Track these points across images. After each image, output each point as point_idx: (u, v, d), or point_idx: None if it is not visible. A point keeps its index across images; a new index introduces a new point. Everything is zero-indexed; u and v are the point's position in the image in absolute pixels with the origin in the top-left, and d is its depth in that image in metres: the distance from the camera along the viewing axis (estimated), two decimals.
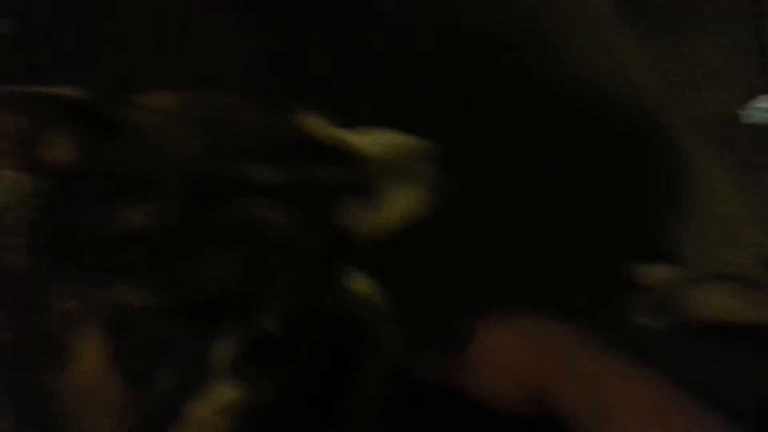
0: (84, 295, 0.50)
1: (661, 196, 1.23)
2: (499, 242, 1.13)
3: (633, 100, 1.28)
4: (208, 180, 0.53)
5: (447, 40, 1.30)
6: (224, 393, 0.52)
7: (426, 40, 1.27)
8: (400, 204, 0.66)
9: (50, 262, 0.51)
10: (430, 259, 1.06)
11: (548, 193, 1.19)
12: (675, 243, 1.20)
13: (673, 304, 0.77)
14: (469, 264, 1.11)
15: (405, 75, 1.21)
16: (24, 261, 0.52)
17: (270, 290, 0.53)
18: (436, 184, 0.69)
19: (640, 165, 1.24)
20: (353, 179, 0.61)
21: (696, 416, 0.54)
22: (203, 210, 0.52)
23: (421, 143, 0.69)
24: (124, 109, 0.55)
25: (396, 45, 1.23)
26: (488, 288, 1.06)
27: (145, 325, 0.49)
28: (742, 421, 0.58)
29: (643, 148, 1.26)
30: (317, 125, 0.61)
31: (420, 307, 0.79)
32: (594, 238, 1.19)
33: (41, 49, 1.16)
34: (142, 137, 0.54)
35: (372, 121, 0.68)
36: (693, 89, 1.30)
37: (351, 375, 0.71)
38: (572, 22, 1.33)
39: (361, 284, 0.71)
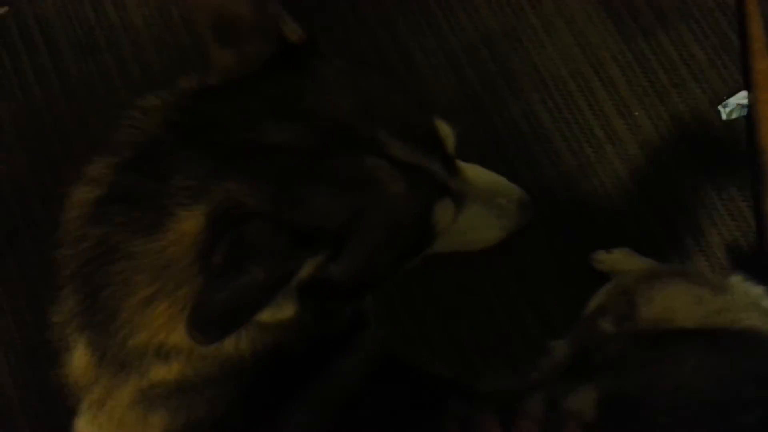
0: (206, 181, 0.54)
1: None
2: None
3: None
4: (350, 129, 0.58)
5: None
6: (285, 308, 0.58)
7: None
8: (475, 227, 0.70)
9: (183, 141, 0.56)
10: None
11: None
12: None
13: (631, 309, 0.78)
14: None
15: None
16: (155, 130, 0.57)
17: (359, 244, 0.58)
18: (515, 225, 0.73)
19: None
20: (456, 188, 0.65)
21: None
22: (340, 151, 0.57)
23: (518, 189, 0.74)
24: (313, 54, 0.62)
25: None
26: None
27: (251, 225, 0.52)
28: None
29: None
30: (448, 133, 0.66)
31: None
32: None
33: None
34: (316, 81, 0.60)
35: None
36: (675, 85, 1.32)
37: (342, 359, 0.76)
38: (552, 20, 1.36)
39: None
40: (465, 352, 1.20)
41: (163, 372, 0.60)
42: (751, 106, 1.27)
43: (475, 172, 0.69)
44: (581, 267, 1.24)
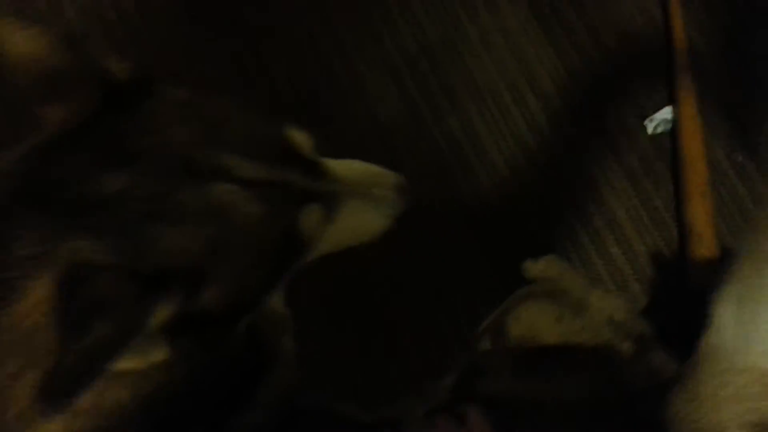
0: (47, 244, 0.52)
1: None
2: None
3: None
4: (190, 161, 0.57)
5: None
6: (152, 353, 0.56)
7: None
8: (354, 222, 0.70)
9: (22, 208, 0.54)
10: None
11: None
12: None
13: (503, 326, 0.83)
14: None
15: None
16: None
17: (222, 271, 0.57)
18: (397, 211, 0.73)
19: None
20: (321, 191, 0.65)
21: None
22: (180, 186, 0.56)
23: (392, 174, 0.74)
24: (143, 91, 0.61)
25: None
26: None
27: (97, 280, 0.51)
28: None
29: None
30: (302, 140, 0.66)
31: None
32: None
33: None
34: (147, 119, 0.58)
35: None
36: (605, 99, 1.37)
37: (253, 386, 0.77)
38: (487, 32, 1.40)
39: (279, 303, 0.76)
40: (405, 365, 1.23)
41: (50, 428, 0.58)
42: (675, 121, 1.33)
43: (346, 167, 0.70)
44: (517, 275, 1.28)
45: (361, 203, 0.70)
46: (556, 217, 1.31)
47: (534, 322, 0.83)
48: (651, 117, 1.34)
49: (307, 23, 1.41)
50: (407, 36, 1.41)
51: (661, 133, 1.34)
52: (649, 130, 1.34)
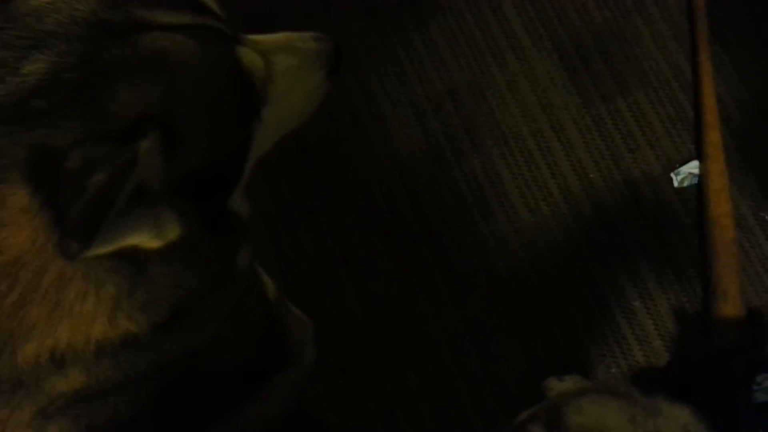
0: (1, 151, 0.50)
1: None
2: None
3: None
4: (107, 23, 0.55)
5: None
6: (164, 225, 0.55)
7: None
8: (293, 76, 0.70)
9: None
10: None
11: None
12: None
13: (560, 416, 0.80)
14: None
15: None
16: None
17: (187, 114, 0.55)
18: (325, 59, 0.74)
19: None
20: (246, 43, 0.65)
21: None
22: (108, 46, 0.54)
23: (310, 32, 0.74)
24: None
25: None
26: None
27: (70, 157, 0.48)
28: None
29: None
30: (210, 2, 0.65)
31: None
32: None
33: None
34: (47, 3, 0.56)
35: None
36: (631, 150, 1.35)
37: (262, 379, 0.75)
38: (514, 77, 1.40)
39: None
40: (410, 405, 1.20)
41: (61, 385, 0.57)
42: (701, 176, 1.31)
43: (256, 36, 0.70)
44: (532, 322, 1.25)
45: (290, 57, 0.70)
46: (577, 267, 1.28)
47: (601, 417, 0.80)
48: (677, 170, 1.32)
49: None
50: (434, 77, 1.41)
51: (687, 187, 1.32)
52: (676, 183, 1.32)
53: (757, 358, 1.15)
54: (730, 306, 1.18)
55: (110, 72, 0.54)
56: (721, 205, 1.26)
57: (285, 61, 0.69)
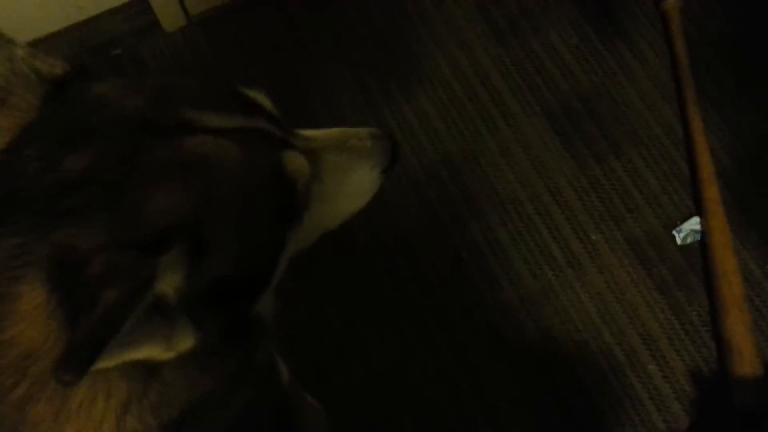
0: (26, 239, 0.48)
1: None
2: None
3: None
4: (151, 123, 0.53)
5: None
6: (176, 337, 0.51)
7: None
8: (342, 177, 0.67)
9: None
10: None
11: None
12: None
13: None
14: None
15: None
16: None
17: (220, 223, 0.52)
18: (381, 160, 0.70)
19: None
20: (298, 145, 0.62)
21: None
22: (150, 147, 0.52)
23: (368, 128, 0.70)
24: (83, 80, 0.57)
25: None
26: None
27: (92, 262, 0.46)
28: None
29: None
30: (261, 97, 0.62)
31: None
32: None
33: None
34: (96, 99, 0.55)
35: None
36: (630, 210, 1.35)
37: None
38: (507, 144, 1.40)
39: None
40: None
41: None
42: (704, 232, 1.29)
43: (311, 132, 0.66)
44: (544, 391, 1.21)
45: (342, 156, 0.67)
46: (587, 332, 1.25)
47: None
48: (679, 227, 1.31)
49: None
50: (427, 146, 1.41)
51: (691, 243, 1.30)
52: (678, 240, 1.31)
53: None
54: (747, 364, 1.15)
55: (148, 175, 0.51)
56: (726, 261, 1.25)
57: (336, 159, 0.66)
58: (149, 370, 0.52)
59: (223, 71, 1.48)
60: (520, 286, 1.28)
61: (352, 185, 0.68)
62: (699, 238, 1.30)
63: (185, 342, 0.53)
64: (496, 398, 1.21)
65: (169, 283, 0.50)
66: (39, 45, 1.46)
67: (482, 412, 1.20)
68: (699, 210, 1.32)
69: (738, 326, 1.19)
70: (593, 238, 1.32)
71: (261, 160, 0.57)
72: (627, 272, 1.29)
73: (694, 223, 1.31)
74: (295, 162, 0.60)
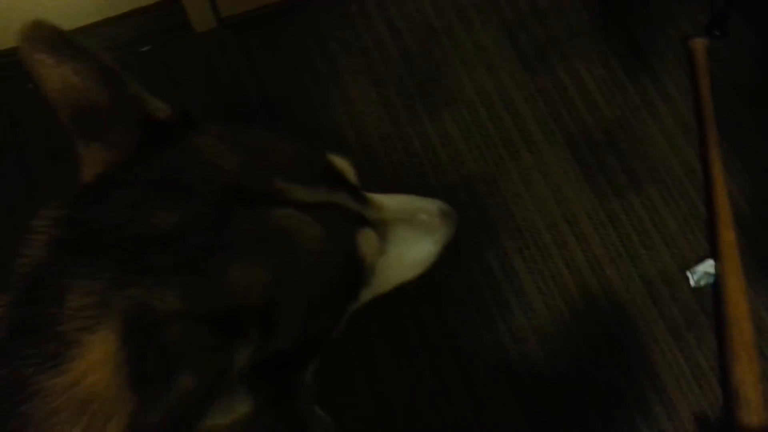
0: (103, 292, 0.48)
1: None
2: None
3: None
4: (243, 189, 0.54)
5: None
6: (236, 405, 0.51)
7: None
8: (405, 250, 0.67)
9: (71, 257, 0.50)
10: None
11: None
12: None
13: None
14: None
15: None
16: (42, 253, 0.51)
17: (292, 303, 0.53)
18: (445, 237, 0.70)
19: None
20: (371, 218, 0.63)
21: None
22: (239, 216, 0.52)
23: (433, 201, 0.71)
24: (184, 128, 0.58)
25: None
26: None
27: (169, 330, 0.47)
28: None
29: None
30: (345, 166, 0.64)
31: None
32: None
33: None
34: (193, 153, 0.55)
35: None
36: (646, 247, 1.35)
37: None
38: (528, 171, 1.40)
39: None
40: None
41: None
42: (718, 276, 1.30)
43: (383, 199, 0.67)
44: (552, 426, 1.22)
45: (409, 230, 0.68)
46: (595, 367, 1.25)
47: None
48: (693, 269, 1.32)
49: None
50: (448, 167, 1.41)
51: (704, 286, 1.31)
52: (692, 282, 1.31)
53: None
54: (754, 415, 1.15)
55: (232, 246, 0.51)
56: (738, 307, 1.25)
57: (403, 233, 0.67)
58: None
59: (249, 77, 1.48)
60: (533, 314, 1.28)
61: (412, 257, 0.69)
62: (713, 282, 1.30)
63: (242, 408, 0.53)
64: (499, 424, 1.21)
65: (237, 365, 0.50)
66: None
67: None
68: (714, 253, 1.32)
69: (747, 374, 1.19)
70: (607, 272, 1.32)
71: (338, 240, 0.58)
72: (639, 310, 1.29)
73: (708, 266, 1.32)
74: (369, 241, 0.61)
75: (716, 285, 1.30)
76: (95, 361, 0.48)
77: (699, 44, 1.50)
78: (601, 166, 1.42)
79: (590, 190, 1.40)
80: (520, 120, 1.46)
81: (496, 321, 1.28)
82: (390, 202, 0.68)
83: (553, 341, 1.27)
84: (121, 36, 1.45)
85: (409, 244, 0.68)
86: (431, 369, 1.25)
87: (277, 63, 1.50)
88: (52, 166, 1.41)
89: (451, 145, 1.43)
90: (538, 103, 1.48)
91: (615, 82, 1.50)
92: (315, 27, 1.53)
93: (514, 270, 1.32)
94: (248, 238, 0.52)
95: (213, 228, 0.51)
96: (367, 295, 0.64)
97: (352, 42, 1.52)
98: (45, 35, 0.54)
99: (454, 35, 1.53)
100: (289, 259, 0.53)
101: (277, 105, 1.45)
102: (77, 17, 1.39)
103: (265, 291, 0.52)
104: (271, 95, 1.46)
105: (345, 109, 1.45)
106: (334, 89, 1.47)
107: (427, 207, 0.71)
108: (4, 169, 1.42)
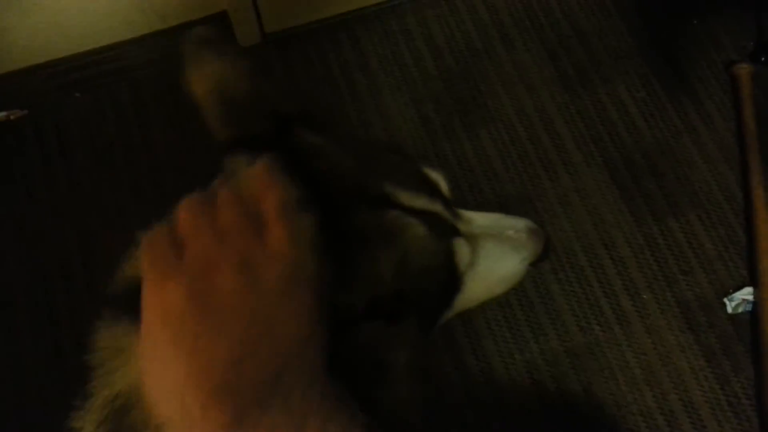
0: None
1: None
2: None
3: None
4: (362, 187, 0.56)
5: None
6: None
7: None
8: (493, 264, 0.68)
9: None
10: None
11: None
12: None
13: None
14: None
15: None
16: None
17: (414, 299, 0.55)
18: (533, 253, 0.71)
19: None
20: (463, 230, 0.65)
21: None
22: (357, 211, 0.54)
23: (521, 219, 0.72)
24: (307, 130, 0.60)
25: None
26: None
27: (362, 330, 0.49)
28: None
29: None
30: (439, 178, 0.66)
31: None
32: None
33: None
34: (311, 147, 0.58)
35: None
36: (684, 272, 1.34)
37: None
38: (565, 192, 1.40)
39: None
40: None
41: None
42: (756, 303, 1.28)
43: (473, 215, 0.69)
44: None
45: (497, 246, 0.69)
46: (629, 393, 1.24)
47: None
48: (731, 296, 1.30)
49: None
50: (485, 186, 1.42)
51: (741, 313, 1.29)
52: (729, 309, 1.30)
53: None
54: None
55: (361, 239, 0.53)
56: None
57: (491, 248, 0.68)
58: None
59: (290, 91, 1.50)
60: (566, 337, 1.28)
61: (500, 273, 0.70)
62: (750, 309, 1.29)
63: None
64: None
65: None
66: (119, 48, 1.51)
67: None
68: (753, 280, 1.31)
69: None
70: (644, 297, 1.31)
71: (440, 242, 0.60)
72: (675, 336, 1.28)
73: (746, 293, 1.30)
74: (463, 250, 0.62)
75: (754, 312, 1.28)
76: None
77: (743, 70, 1.49)
78: (640, 190, 1.41)
79: (629, 214, 1.39)
80: (559, 141, 1.46)
81: (528, 342, 1.27)
82: (479, 217, 0.69)
83: (586, 365, 1.26)
84: (167, 48, 1.48)
85: (496, 259, 0.68)
86: (462, 383, 1.25)
87: (317, 78, 1.52)
88: (95, 171, 1.45)
89: (489, 163, 1.44)
90: (577, 124, 1.48)
91: (657, 105, 1.50)
92: (356, 44, 1.55)
93: (549, 292, 1.32)
94: (367, 235, 0.54)
95: (342, 221, 0.53)
96: (457, 305, 0.65)
97: (392, 59, 1.54)
98: (208, 38, 0.61)
99: (495, 55, 1.54)
100: (403, 254, 0.55)
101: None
102: (126, 29, 1.43)
103: (390, 283, 0.53)
104: (310, 110, 1.48)
105: (383, 125, 1.47)
106: (373, 105, 1.49)
107: (515, 224, 0.72)
108: (51, 173, 1.46)
